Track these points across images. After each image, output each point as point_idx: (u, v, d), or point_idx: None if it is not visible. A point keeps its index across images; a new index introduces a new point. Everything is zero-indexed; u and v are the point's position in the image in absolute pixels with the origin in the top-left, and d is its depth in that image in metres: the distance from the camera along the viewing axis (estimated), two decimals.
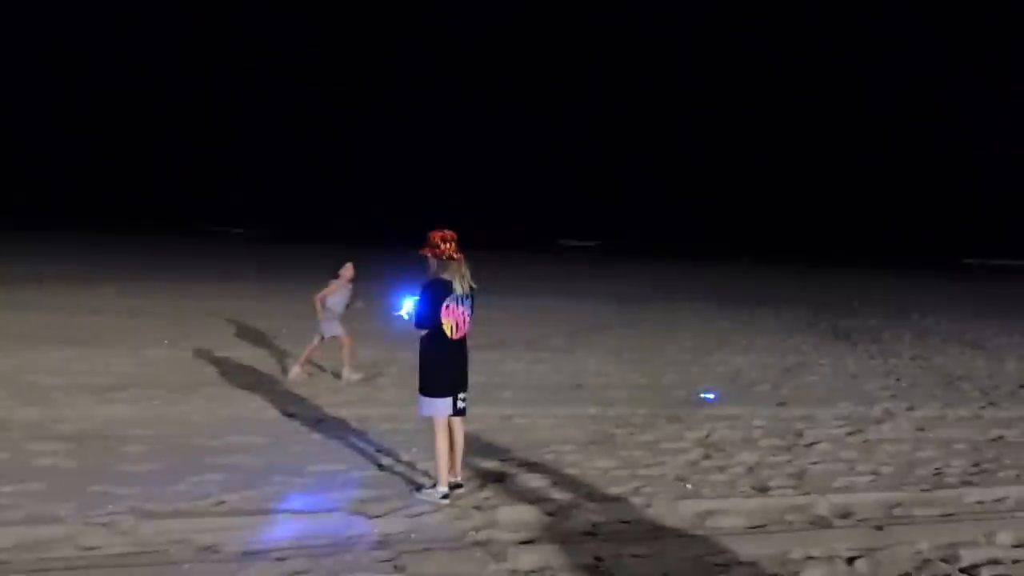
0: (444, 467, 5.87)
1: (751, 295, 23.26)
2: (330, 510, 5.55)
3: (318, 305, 9.86)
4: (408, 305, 6.08)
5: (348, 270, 10.01)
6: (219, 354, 10.97)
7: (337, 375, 10.06)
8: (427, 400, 5.91)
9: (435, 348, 5.90)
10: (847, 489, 6.49)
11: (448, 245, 5.88)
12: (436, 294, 5.84)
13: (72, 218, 44.62)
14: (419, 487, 5.99)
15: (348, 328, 10.02)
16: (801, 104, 59.03)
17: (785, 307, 20.48)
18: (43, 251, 28.01)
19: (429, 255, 5.92)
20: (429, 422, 5.97)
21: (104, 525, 5.08)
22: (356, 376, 9.91)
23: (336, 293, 9.91)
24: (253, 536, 5.07)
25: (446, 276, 5.87)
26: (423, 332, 5.93)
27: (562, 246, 47.97)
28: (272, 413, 8.14)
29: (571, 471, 6.67)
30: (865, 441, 7.99)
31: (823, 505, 6.07)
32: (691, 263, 36.80)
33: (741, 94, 60.35)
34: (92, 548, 4.80)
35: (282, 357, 11.03)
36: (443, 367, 5.91)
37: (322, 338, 9.90)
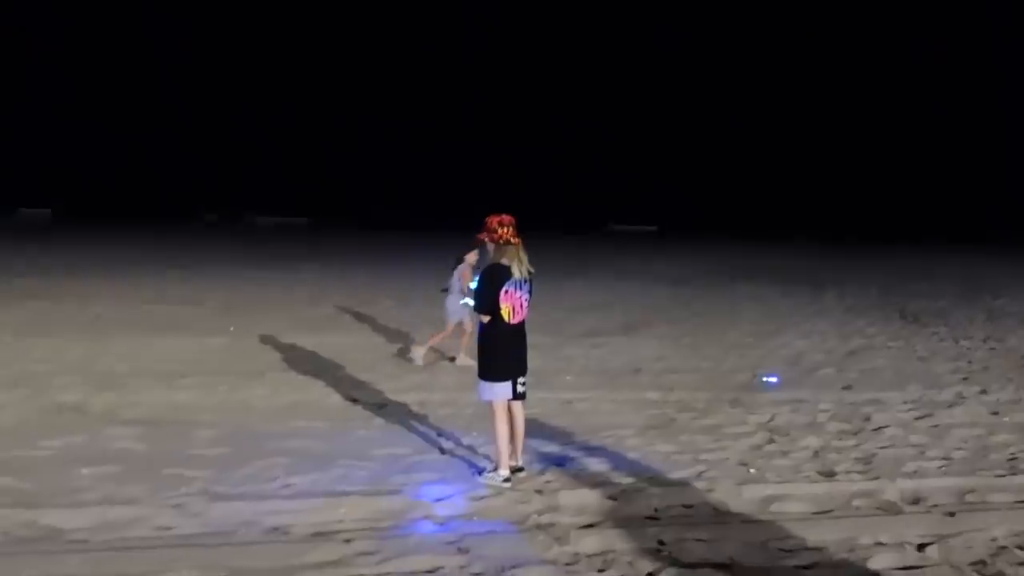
0: (505, 451, 5.90)
1: (813, 276, 22.80)
2: (394, 493, 5.62)
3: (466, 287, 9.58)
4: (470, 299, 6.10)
5: (472, 255, 9.72)
6: (281, 340, 11.18)
7: (452, 359, 10.10)
8: (487, 384, 5.94)
9: (494, 333, 5.93)
10: (917, 474, 6.33)
11: (505, 230, 5.90)
12: (494, 279, 5.88)
13: (110, 209, 45.72)
14: (481, 471, 6.03)
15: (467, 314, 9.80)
16: (862, 75, 57.48)
17: (849, 288, 20.03)
18: (93, 242, 28.82)
19: (486, 240, 5.95)
20: (489, 407, 6.00)
21: (176, 506, 5.23)
22: (470, 361, 9.66)
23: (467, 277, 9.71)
24: (320, 518, 5.16)
25: (504, 261, 5.89)
26: (483, 318, 5.96)
27: (615, 230, 47.55)
28: (335, 399, 8.27)
29: (632, 455, 6.65)
30: (935, 426, 7.79)
31: (892, 490, 5.94)
32: (749, 244, 36.21)
33: (796, 66, 58.92)
34: (166, 528, 4.96)
35: (340, 341, 11.18)
36: (502, 352, 5.94)
37: (453, 325, 9.92)
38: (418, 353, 10.05)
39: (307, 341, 11.18)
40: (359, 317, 13.63)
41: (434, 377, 9.36)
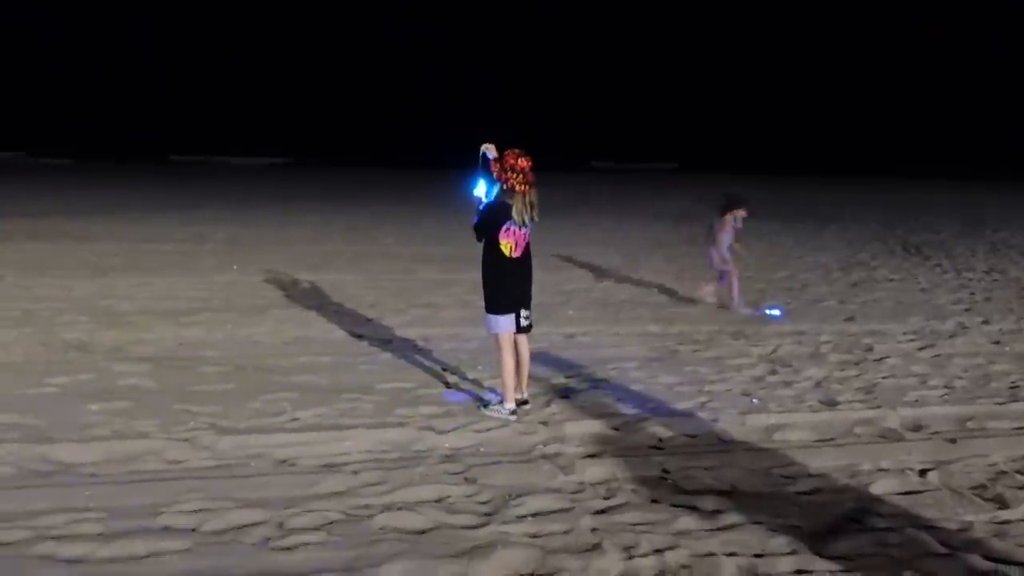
0: (511, 383, 5.94)
1: (815, 211, 22.71)
2: (400, 425, 5.68)
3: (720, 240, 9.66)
4: (483, 187, 5.99)
5: (740, 214, 9.69)
6: (284, 278, 11.18)
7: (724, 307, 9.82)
8: (492, 317, 5.96)
9: (495, 266, 5.93)
10: (918, 403, 6.39)
11: (514, 176, 5.77)
12: (494, 216, 5.85)
13: (99, 152, 45.21)
14: (486, 403, 6.08)
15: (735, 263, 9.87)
16: (861, 5, 56.39)
17: (850, 222, 19.97)
18: (93, 185, 28.62)
19: (502, 177, 5.83)
20: (495, 340, 6.03)
21: (187, 440, 5.28)
22: (746, 310, 9.64)
23: (726, 230, 9.67)
24: (327, 450, 5.23)
25: (508, 201, 5.83)
26: (483, 251, 5.96)
27: (610, 167, 47.08)
28: (339, 334, 8.30)
29: (636, 387, 6.70)
30: (937, 355, 7.83)
31: (894, 418, 6.00)
32: (749, 180, 35.99)
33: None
34: (177, 462, 5.01)
35: (341, 277, 11.18)
36: (504, 284, 5.94)
37: (719, 274, 9.86)
38: (707, 291, 9.95)
39: (310, 278, 11.18)
40: (360, 255, 13.62)
41: (438, 312, 9.38)
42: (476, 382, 6.74)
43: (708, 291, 9.97)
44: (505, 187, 5.83)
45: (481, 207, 5.97)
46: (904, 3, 55.64)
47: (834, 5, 57.21)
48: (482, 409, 6.01)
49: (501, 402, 5.96)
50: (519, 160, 5.79)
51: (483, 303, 6.03)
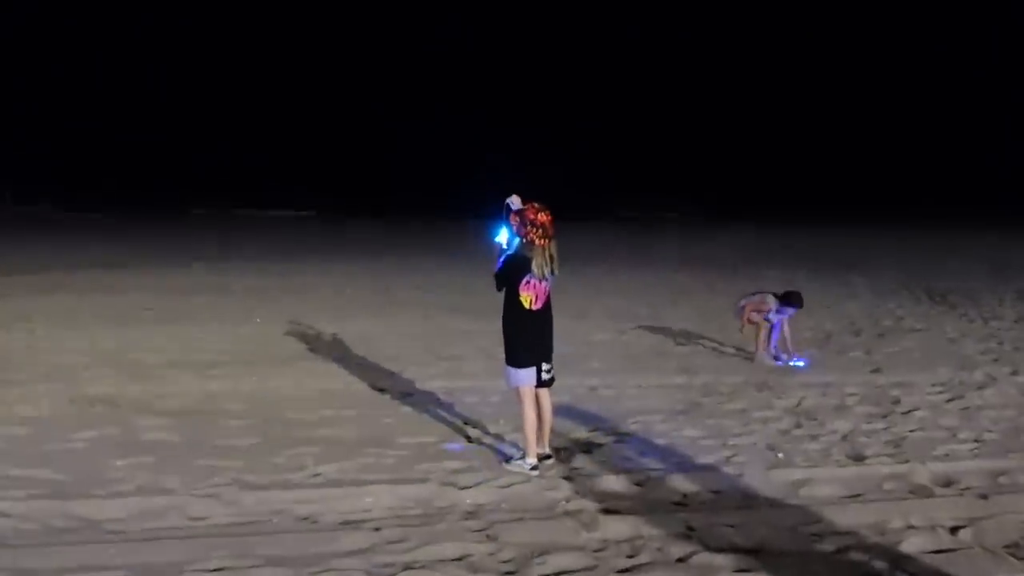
0: (532, 438, 5.91)
1: (839, 258, 22.58)
2: (422, 481, 5.65)
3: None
4: (504, 235, 6.00)
5: (791, 311, 9.58)
6: (307, 329, 11.26)
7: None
8: (512, 371, 5.96)
9: (516, 319, 5.95)
10: (948, 457, 6.28)
11: (534, 230, 5.79)
12: (514, 269, 5.88)
13: (122, 204, 46.14)
14: (508, 458, 6.05)
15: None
16: (886, 50, 56.81)
17: (876, 269, 19.83)
18: (121, 237, 29.09)
19: (523, 230, 5.84)
20: (516, 394, 6.02)
21: (210, 496, 5.30)
22: (771, 361, 9.54)
23: (767, 309, 9.54)
24: (348, 506, 5.21)
25: (527, 255, 5.86)
26: (504, 303, 5.98)
27: (629, 216, 47.14)
28: (362, 387, 8.33)
29: (659, 441, 6.64)
30: (966, 408, 7.71)
31: (923, 473, 5.90)
32: (773, 226, 35.93)
33: (819, 42, 58.39)
34: (200, 518, 5.02)
35: (366, 329, 11.23)
36: (524, 337, 5.95)
37: (767, 320, 9.62)
38: (765, 357, 9.63)
39: (333, 329, 11.25)
40: (382, 305, 13.69)
41: (461, 365, 9.38)
42: (498, 436, 6.72)
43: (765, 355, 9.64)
44: (525, 240, 5.86)
45: (502, 257, 5.98)
46: (931, 46, 55.87)
47: (860, 48, 57.56)
48: (504, 464, 5.98)
49: (523, 457, 5.93)
50: (539, 215, 5.82)
51: (504, 356, 6.05)
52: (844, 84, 57.79)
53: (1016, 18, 51.70)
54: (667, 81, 59.28)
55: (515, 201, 5.96)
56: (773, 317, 9.55)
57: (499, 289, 5.99)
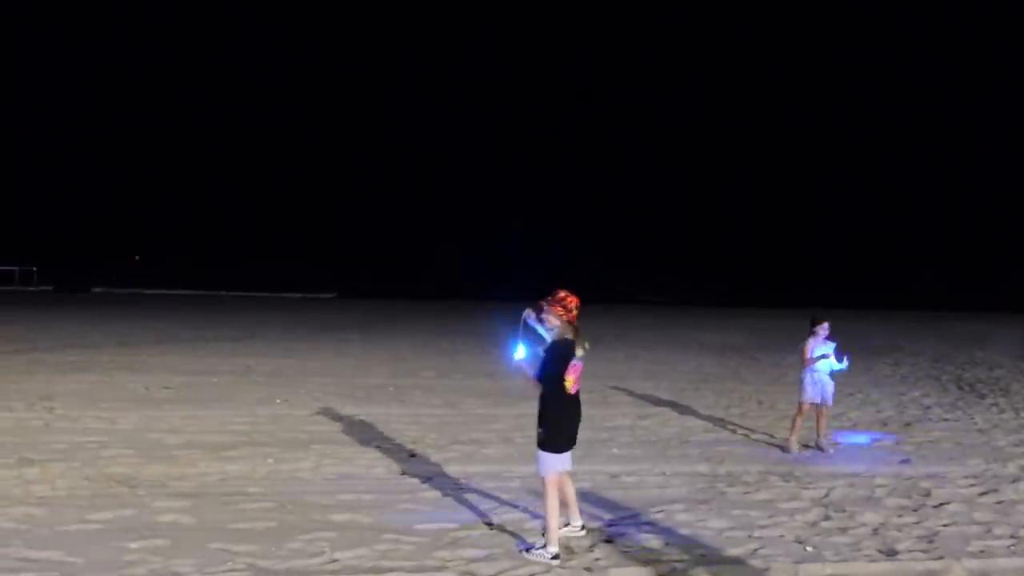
0: (555, 526, 5.80)
1: (864, 345, 22.35)
2: (440, 569, 5.52)
3: (806, 358, 9.46)
4: (522, 351, 6.13)
5: (824, 327, 9.45)
6: (327, 411, 11.21)
7: (783, 448, 9.50)
8: (550, 457, 5.92)
9: (558, 404, 5.96)
10: (984, 554, 6.06)
11: (574, 313, 5.98)
12: (565, 355, 5.92)
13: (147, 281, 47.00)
14: (529, 547, 5.91)
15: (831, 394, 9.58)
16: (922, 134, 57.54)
17: (902, 357, 19.59)
18: (145, 316, 29.41)
19: (557, 315, 5.95)
20: (543, 481, 5.93)
21: None
22: (832, 447, 9.42)
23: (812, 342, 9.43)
24: None
25: (569, 337, 5.93)
26: (546, 391, 5.97)
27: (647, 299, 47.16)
28: (381, 470, 8.22)
29: (683, 531, 6.47)
30: (1000, 502, 7.47)
31: (958, 570, 5.69)
32: (795, 312, 35.76)
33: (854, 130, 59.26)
34: None
35: (384, 412, 11.17)
36: (565, 423, 5.98)
37: (809, 404, 9.45)
38: (792, 444, 9.38)
39: (353, 411, 11.20)
40: (401, 388, 13.64)
41: (480, 449, 9.27)
42: (518, 523, 6.57)
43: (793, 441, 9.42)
44: (563, 324, 5.92)
45: (545, 355, 6.02)
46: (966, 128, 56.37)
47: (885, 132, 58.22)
48: (524, 553, 5.84)
49: (544, 546, 5.80)
50: (575, 298, 6.00)
51: (532, 441, 6.00)
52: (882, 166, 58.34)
53: None
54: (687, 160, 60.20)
55: (531, 316, 6.10)
56: (819, 346, 9.45)
57: (544, 380, 5.98)
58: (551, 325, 5.98)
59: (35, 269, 49.54)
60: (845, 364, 9.50)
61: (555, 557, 5.70)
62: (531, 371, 6.07)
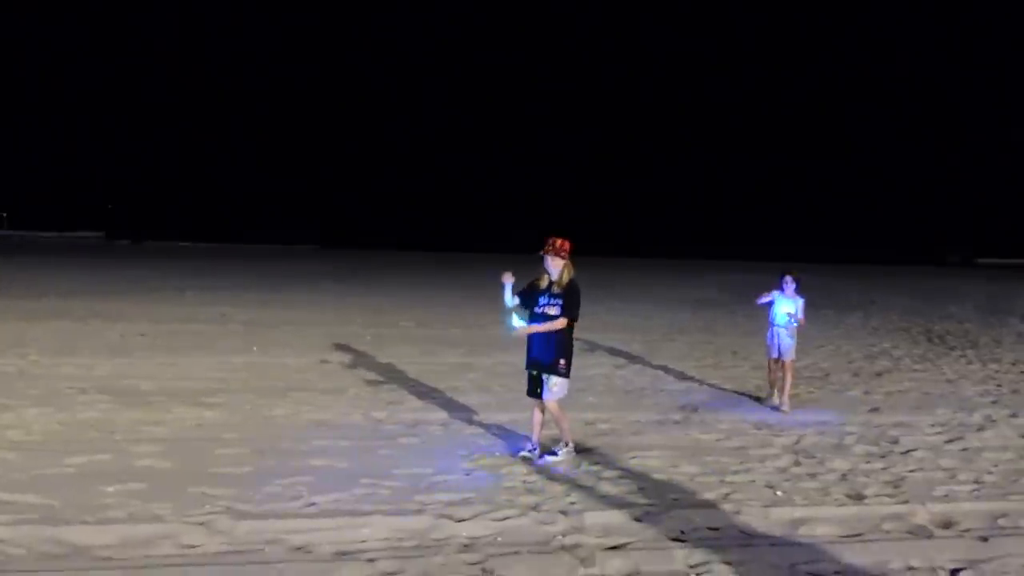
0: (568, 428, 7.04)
1: (836, 299, 22.63)
2: (417, 512, 5.58)
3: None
4: (516, 319, 6.89)
5: (787, 280, 9.33)
6: (304, 359, 11.21)
7: (758, 398, 9.59)
8: (567, 382, 6.86)
9: (571, 337, 6.92)
10: (948, 498, 6.22)
11: (568, 252, 6.86)
12: (579, 293, 6.88)
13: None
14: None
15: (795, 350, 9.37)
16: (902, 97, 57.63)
17: (873, 311, 19.85)
18: (122, 264, 29.11)
19: (561, 259, 6.78)
20: (557, 404, 6.85)
21: (202, 524, 5.22)
22: (787, 407, 9.08)
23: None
24: (343, 536, 5.14)
25: (573, 277, 6.87)
26: (564, 327, 6.81)
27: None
28: (357, 417, 8.26)
29: (657, 476, 6.58)
30: (965, 449, 7.66)
31: (923, 514, 5.84)
32: (769, 265, 36.04)
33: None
34: (191, 546, 4.94)
35: (362, 360, 11.19)
36: (572, 353, 7.00)
37: (771, 359, 9.39)
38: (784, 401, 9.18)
39: (330, 360, 11.20)
40: (380, 338, 13.65)
41: (457, 397, 9.33)
42: (494, 467, 6.65)
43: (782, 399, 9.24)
44: (563, 263, 6.79)
45: (571, 297, 6.83)
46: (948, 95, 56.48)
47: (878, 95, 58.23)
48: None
49: (566, 445, 6.98)
50: (562, 242, 6.85)
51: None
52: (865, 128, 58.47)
53: None
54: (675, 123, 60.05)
55: (509, 280, 6.79)
56: (782, 299, 9.31)
57: (578, 318, 6.91)
58: (555, 268, 6.77)
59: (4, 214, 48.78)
60: (787, 319, 9.19)
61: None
62: (543, 325, 6.79)
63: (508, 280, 6.77)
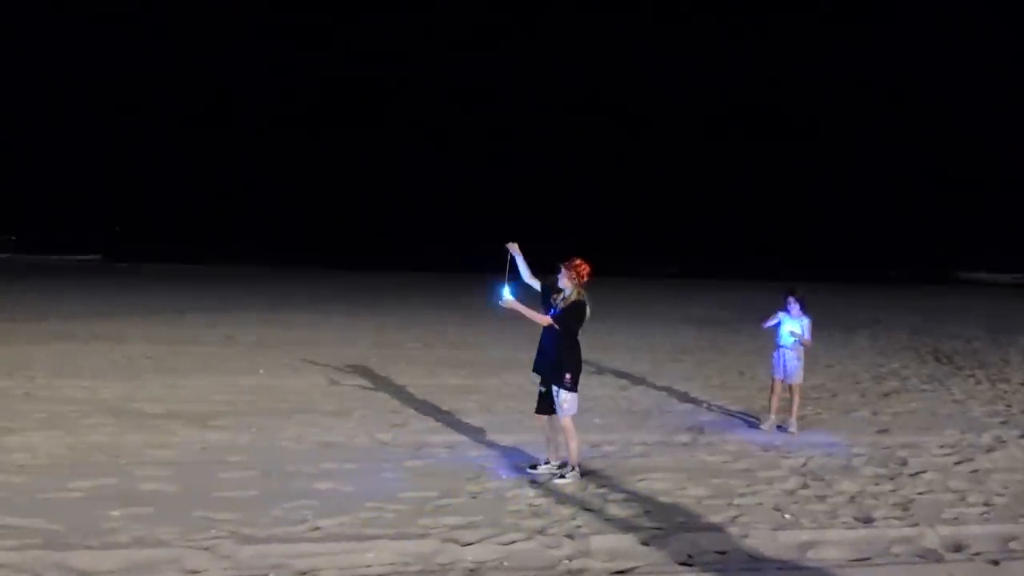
0: (577, 450, 7.02)
1: (842, 318, 22.55)
2: (422, 536, 5.55)
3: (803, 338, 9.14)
4: (508, 294, 6.81)
5: (791, 301, 9.21)
6: (310, 381, 11.20)
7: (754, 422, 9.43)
8: (575, 396, 6.97)
9: (578, 352, 7.04)
10: (958, 521, 6.17)
11: (586, 279, 6.95)
12: (581, 312, 6.92)
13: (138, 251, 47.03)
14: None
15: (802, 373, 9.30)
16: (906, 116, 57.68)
17: (880, 330, 19.78)
18: (127, 286, 29.19)
19: (571, 278, 6.88)
20: (569, 421, 6.95)
21: (206, 549, 5.20)
22: (795, 429, 9.03)
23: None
24: (348, 561, 5.11)
25: (583, 300, 6.89)
26: (567, 341, 6.94)
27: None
28: (363, 440, 8.24)
29: (664, 499, 6.54)
30: (975, 470, 7.61)
31: (932, 537, 5.79)
32: (775, 285, 35.95)
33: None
34: (196, 571, 4.92)
35: (367, 382, 11.17)
36: (580, 369, 7.08)
37: (776, 380, 9.25)
38: (767, 418, 9.22)
39: (335, 382, 11.18)
40: (385, 359, 13.63)
41: (462, 419, 9.30)
42: (499, 491, 6.62)
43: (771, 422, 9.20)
44: (574, 284, 6.90)
45: (568, 311, 6.89)
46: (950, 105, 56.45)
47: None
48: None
49: (573, 469, 6.98)
50: (583, 264, 6.94)
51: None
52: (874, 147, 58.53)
53: None
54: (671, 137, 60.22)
55: (515, 249, 6.97)
56: (788, 320, 9.21)
57: (567, 339, 6.93)
58: (564, 285, 6.90)
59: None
60: (793, 339, 9.12)
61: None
62: (529, 310, 6.84)
63: (515, 251, 6.99)
